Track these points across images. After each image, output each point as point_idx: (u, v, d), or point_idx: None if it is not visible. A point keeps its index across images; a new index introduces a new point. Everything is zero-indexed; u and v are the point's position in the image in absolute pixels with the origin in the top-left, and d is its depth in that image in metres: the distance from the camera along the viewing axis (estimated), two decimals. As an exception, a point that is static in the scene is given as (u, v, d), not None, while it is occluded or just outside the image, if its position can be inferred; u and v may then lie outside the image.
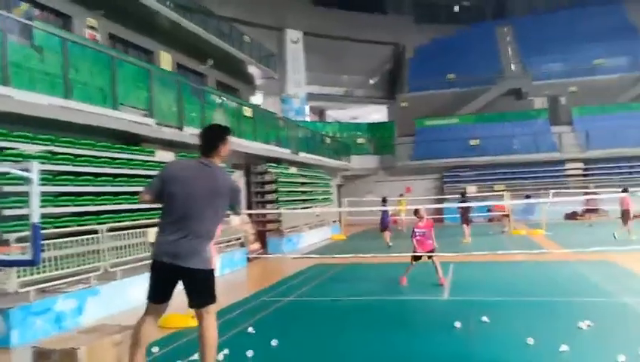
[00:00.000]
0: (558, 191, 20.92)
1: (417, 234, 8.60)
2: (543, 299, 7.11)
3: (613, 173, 23.98)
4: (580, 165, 25.02)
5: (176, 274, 3.67)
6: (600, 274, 8.79)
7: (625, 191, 14.14)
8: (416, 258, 8.63)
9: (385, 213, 15.11)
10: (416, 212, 8.87)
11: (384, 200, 15.92)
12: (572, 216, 22.57)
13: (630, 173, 23.75)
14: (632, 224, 14.05)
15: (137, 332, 3.70)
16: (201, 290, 3.75)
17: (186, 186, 3.67)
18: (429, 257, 8.54)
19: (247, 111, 15.61)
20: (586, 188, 21.44)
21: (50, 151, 7.41)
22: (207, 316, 3.78)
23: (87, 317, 6.79)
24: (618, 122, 25.80)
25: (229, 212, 3.97)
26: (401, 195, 21.37)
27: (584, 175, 24.69)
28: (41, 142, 7.37)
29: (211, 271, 3.82)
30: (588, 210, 19.60)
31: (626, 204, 13.95)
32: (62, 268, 6.66)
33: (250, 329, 6.00)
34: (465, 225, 15.00)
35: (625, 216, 13.92)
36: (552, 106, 29.19)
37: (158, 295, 3.73)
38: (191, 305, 3.82)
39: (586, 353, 4.71)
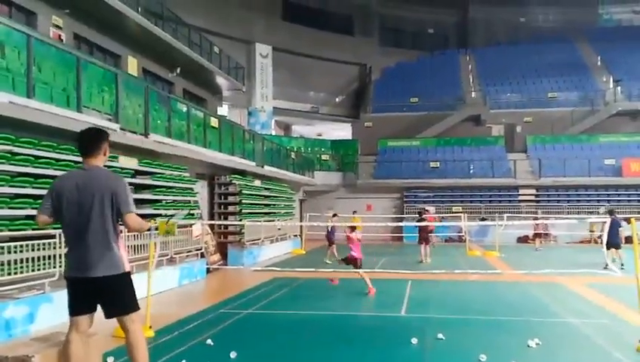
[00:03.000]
0: (512, 215, 21.77)
1: (353, 241, 9.61)
2: (496, 318, 7.39)
3: (562, 199, 25.20)
4: (533, 191, 26.14)
5: (89, 285, 3.57)
6: (548, 295, 9.22)
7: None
8: (349, 262, 9.52)
9: (333, 228, 15.25)
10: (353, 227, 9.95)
11: (334, 216, 16.13)
12: (524, 239, 23.48)
13: (578, 200, 25.02)
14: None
15: (66, 350, 3.59)
16: (115, 297, 3.62)
17: (70, 197, 3.61)
18: (356, 266, 9.49)
19: (214, 122, 15.54)
20: (536, 213, 22.37)
21: (9, 152, 7.16)
22: (131, 325, 3.65)
23: (38, 324, 6.53)
24: (568, 152, 27.26)
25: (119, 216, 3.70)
26: (355, 212, 21.59)
27: (536, 201, 25.79)
28: (0, 141, 7.12)
29: (125, 275, 3.66)
30: (535, 235, 20.40)
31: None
32: (14, 273, 6.40)
33: (209, 341, 5.95)
34: (423, 245, 14.96)
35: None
36: (509, 134, 30.51)
37: (77, 309, 3.64)
38: (109, 315, 3.67)
39: (534, 369, 4.94)
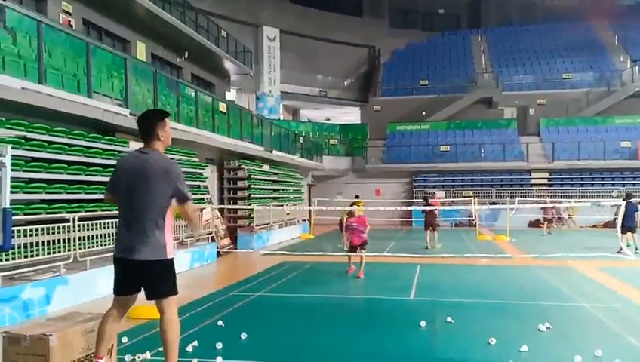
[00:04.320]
0: (524, 199, 21.63)
1: (349, 227, 9.75)
2: (506, 302, 7.38)
3: (576, 183, 24.94)
4: (546, 175, 25.88)
5: (133, 267, 3.65)
6: (560, 280, 9.18)
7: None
8: (352, 249, 9.70)
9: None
10: (350, 212, 10.02)
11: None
12: (535, 224, 23.35)
13: (592, 184, 24.74)
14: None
15: (102, 325, 3.72)
16: (157, 281, 3.69)
17: (126, 179, 3.68)
18: (358, 249, 9.62)
19: (222, 107, 15.54)
20: (548, 198, 22.20)
21: (22, 137, 7.25)
22: (167, 308, 3.73)
23: (55, 306, 6.68)
24: (583, 135, 26.87)
25: (174, 200, 3.77)
26: (357, 197, 21.54)
27: (549, 184, 25.55)
28: (13, 126, 7.20)
29: (167, 261, 3.73)
30: (545, 219, 20.24)
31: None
32: (31, 256, 6.53)
33: (220, 323, 6.04)
34: (429, 231, 14.23)
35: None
36: (521, 116, 30.11)
37: (121, 289, 3.74)
38: (148, 296, 3.76)
39: (545, 353, 4.93)
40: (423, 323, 5.96)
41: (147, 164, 3.71)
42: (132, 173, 3.69)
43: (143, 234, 3.62)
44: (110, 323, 3.71)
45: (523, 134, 28.21)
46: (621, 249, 12.40)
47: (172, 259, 3.80)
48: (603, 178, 24.85)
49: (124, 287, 3.74)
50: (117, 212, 3.92)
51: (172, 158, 4.35)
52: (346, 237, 9.80)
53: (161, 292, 3.73)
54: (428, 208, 14.45)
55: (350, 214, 9.92)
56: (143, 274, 3.68)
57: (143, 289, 3.75)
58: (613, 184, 24.12)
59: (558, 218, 22.68)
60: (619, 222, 12.62)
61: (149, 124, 3.84)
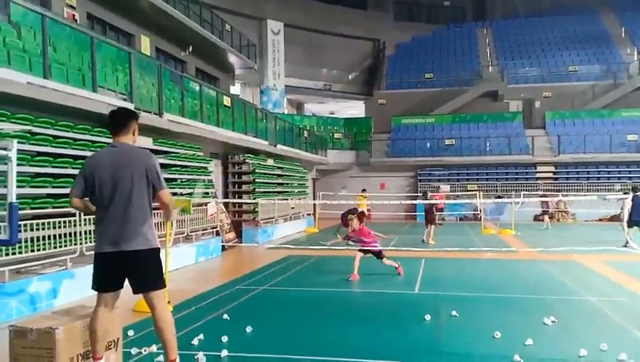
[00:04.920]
0: (529, 193, 21.54)
1: (352, 239, 9.33)
2: (511, 296, 7.37)
3: (582, 177, 24.80)
4: (551, 168, 25.76)
5: (119, 260, 3.65)
6: (565, 273, 9.15)
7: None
8: (364, 251, 8.98)
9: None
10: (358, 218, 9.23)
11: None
12: (541, 217, 23.24)
13: (598, 178, 24.60)
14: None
15: (92, 325, 3.70)
16: (147, 271, 3.71)
17: (105, 174, 3.68)
18: (379, 257, 8.94)
19: (226, 101, 15.53)
20: (554, 191, 22.10)
21: (28, 132, 7.27)
22: (157, 302, 3.74)
23: (61, 299, 6.74)
24: (589, 128, 26.70)
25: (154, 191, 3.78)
26: (364, 190, 21.55)
27: (554, 178, 25.43)
28: (19, 121, 7.22)
29: (155, 250, 3.76)
30: (544, 212, 20.14)
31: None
32: (37, 250, 6.58)
33: (225, 316, 6.08)
34: (428, 225, 14.22)
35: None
36: (527, 110, 29.96)
37: (106, 285, 3.72)
38: (136, 289, 3.76)
39: (550, 347, 4.92)
40: (427, 317, 5.96)
41: (127, 155, 3.74)
42: (112, 167, 3.68)
43: (130, 225, 3.64)
44: (100, 321, 3.69)
45: (528, 127, 28.07)
46: (627, 242, 12.34)
47: (159, 248, 3.81)
48: (609, 171, 24.70)
49: (108, 283, 3.72)
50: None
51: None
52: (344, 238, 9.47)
53: (152, 283, 3.73)
54: (426, 203, 14.41)
55: (352, 223, 9.26)
56: (132, 265, 3.67)
57: (129, 282, 3.73)
58: (619, 177, 23.98)
59: (564, 211, 22.62)
60: (625, 215, 12.55)
61: (127, 118, 3.88)
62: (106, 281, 3.73)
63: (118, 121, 3.87)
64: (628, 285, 8.10)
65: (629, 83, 29.02)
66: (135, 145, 3.91)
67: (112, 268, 3.70)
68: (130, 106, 9.83)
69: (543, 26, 35.68)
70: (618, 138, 25.02)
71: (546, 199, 19.60)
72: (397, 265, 8.96)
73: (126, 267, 3.69)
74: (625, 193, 13.07)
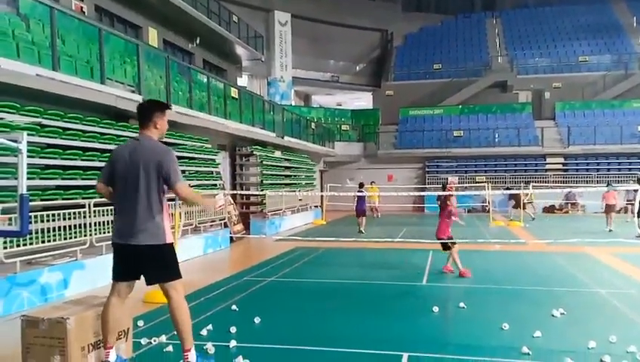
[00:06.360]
0: (538, 184, 21.38)
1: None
2: (519, 288, 7.34)
3: (592, 168, 24.58)
4: (561, 160, 25.55)
5: (131, 253, 3.69)
6: (574, 265, 9.10)
7: (608, 185, 14.64)
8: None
9: (361, 198, 15.25)
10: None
11: (361, 186, 16.05)
12: (550, 209, 23.12)
13: (608, 169, 24.36)
14: (612, 218, 14.76)
15: (104, 314, 3.75)
16: (155, 266, 3.73)
17: (121, 166, 3.74)
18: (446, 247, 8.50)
19: (234, 93, 15.52)
20: (564, 182, 21.91)
21: (38, 124, 7.32)
22: (174, 293, 3.77)
23: (72, 290, 6.82)
24: (599, 119, 26.40)
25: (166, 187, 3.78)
26: (373, 182, 21.50)
27: (564, 170, 25.22)
28: (29, 113, 7.27)
29: (166, 246, 3.77)
30: (517, 205, 19.81)
31: (610, 199, 14.82)
32: (48, 241, 6.65)
33: (234, 307, 6.12)
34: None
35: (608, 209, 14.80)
36: (536, 100, 29.65)
37: (120, 275, 3.77)
38: (149, 281, 3.81)
39: (558, 339, 4.91)
40: (435, 309, 5.96)
41: (141, 150, 3.76)
42: (128, 160, 3.73)
43: (139, 220, 3.66)
44: (112, 311, 3.74)
45: (538, 118, 27.81)
46: (638, 234, 12.25)
47: (171, 243, 3.83)
48: (620, 163, 24.45)
49: (123, 273, 3.77)
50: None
51: (174, 144, 4.35)
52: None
53: (160, 278, 3.77)
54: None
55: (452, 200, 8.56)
56: (141, 260, 3.70)
57: (144, 274, 3.77)
58: (630, 169, 23.72)
59: (572, 203, 22.41)
60: (636, 207, 12.46)
61: (147, 111, 3.90)
62: (118, 271, 3.78)
63: (140, 114, 3.92)
64: (637, 277, 8.04)
65: (640, 73, 28.64)
66: (157, 137, 3.89)
67: (122, 259, 3.76)
68: (138, 98, 9.88)
69: (553, 15, 35.21)
70: (629, 129, 24.73)
71: (514, 192, 19.17)
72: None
73: (134, 260, 3.73)
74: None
